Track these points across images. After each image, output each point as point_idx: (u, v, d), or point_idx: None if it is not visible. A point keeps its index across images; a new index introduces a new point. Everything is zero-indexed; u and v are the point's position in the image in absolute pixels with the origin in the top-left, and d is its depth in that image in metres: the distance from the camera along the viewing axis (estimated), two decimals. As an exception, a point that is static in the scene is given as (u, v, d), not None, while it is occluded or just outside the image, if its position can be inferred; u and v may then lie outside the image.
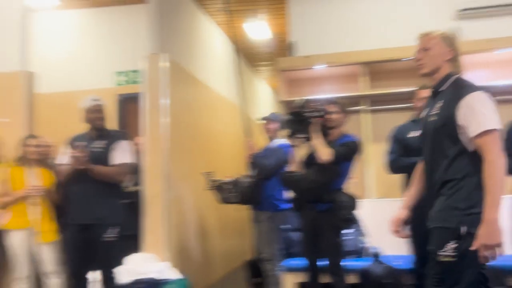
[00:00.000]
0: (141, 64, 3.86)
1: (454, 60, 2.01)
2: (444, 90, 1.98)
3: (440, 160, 1.93)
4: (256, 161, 3.72)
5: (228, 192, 3.67)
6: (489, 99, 1.89)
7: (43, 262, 3.54)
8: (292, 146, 3.24)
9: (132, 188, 3.75)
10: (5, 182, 3.55)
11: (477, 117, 1.84)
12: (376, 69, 4.52)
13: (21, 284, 3.54)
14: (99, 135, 3.18)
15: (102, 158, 3.05)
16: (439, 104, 1.96)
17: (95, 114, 3.17)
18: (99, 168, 2.98)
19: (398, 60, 4.24)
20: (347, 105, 3.29)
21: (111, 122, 3.81)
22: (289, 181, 3.18)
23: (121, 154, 3.09)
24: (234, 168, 4.63)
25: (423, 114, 2.10)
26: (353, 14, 4.60)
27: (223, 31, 5.63)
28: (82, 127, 3.43)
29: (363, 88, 4.47)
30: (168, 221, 3.74)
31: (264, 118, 3.97)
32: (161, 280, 3.25)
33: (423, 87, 3.00)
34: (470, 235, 1.77)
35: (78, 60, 4.75)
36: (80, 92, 4.24)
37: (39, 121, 4.16)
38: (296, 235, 3.64)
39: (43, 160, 3.66)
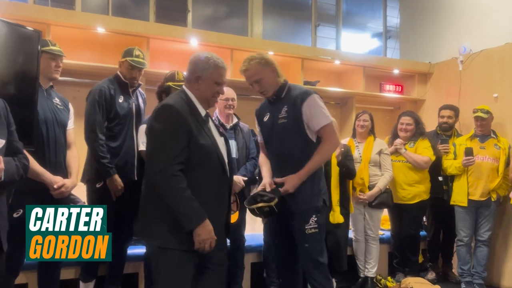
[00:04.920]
0: None
1: (276, 71, 2.54)
2: (284, 96, 2.56)
3: (293, 152, 2.52)
4: None
5: None
6: (321, 99, 2.52)
7: None
8: None
9: None
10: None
11: (319, 114, 2.47)
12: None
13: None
14: None
15: None
16: (285, 109, 2.53)
17: None
18: None
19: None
20: None
21: None
22: None
23: None
24: None
25: (268, 117, 2.62)
26: None
27: None
28: None
29: None
30: None
31: None
32: None
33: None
34: (323, 208, 2.56)
35: None
36: None
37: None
38: None
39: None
